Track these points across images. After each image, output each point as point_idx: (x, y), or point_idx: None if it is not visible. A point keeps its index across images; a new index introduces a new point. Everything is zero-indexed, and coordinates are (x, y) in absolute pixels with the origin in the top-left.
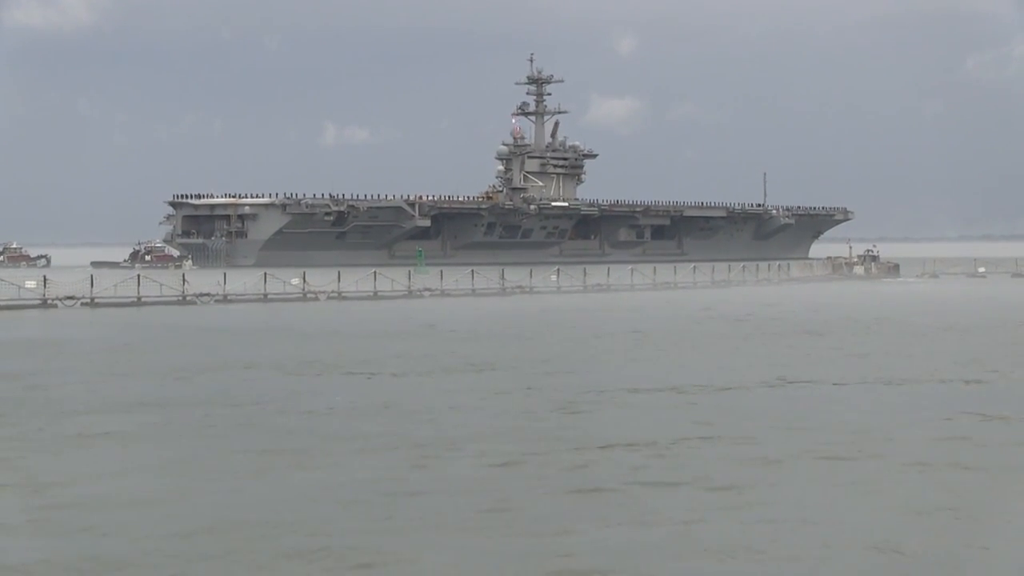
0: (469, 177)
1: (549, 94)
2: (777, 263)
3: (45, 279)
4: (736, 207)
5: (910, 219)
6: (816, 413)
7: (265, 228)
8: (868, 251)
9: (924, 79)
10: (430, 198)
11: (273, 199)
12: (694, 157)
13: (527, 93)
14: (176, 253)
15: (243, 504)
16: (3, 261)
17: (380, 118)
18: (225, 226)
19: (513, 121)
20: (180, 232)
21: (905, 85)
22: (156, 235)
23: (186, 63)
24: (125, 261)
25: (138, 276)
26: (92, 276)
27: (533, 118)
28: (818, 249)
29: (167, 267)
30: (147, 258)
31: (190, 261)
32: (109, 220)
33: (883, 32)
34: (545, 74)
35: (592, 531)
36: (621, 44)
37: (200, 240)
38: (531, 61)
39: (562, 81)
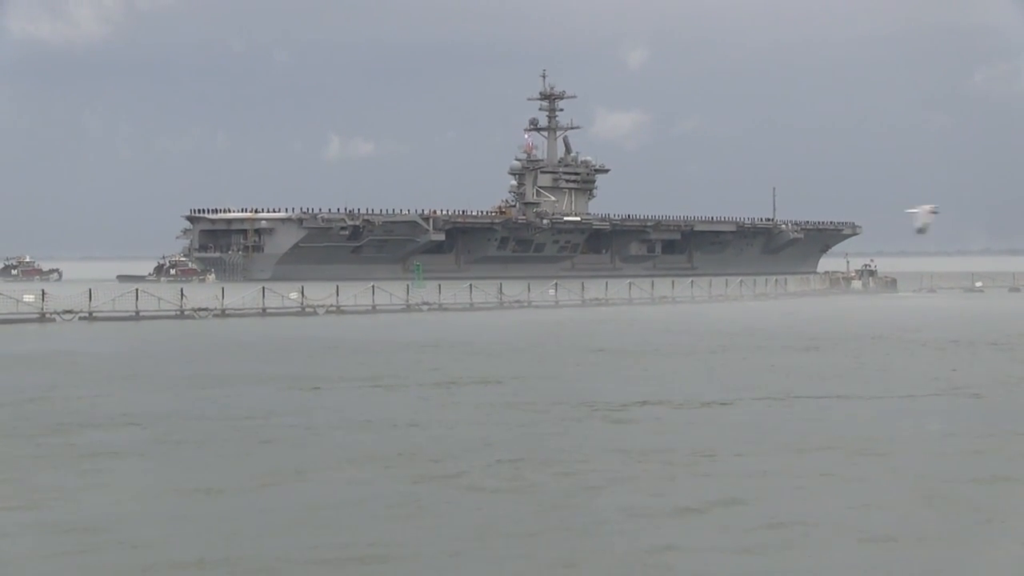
0: (476, 190)
1: (561, 110)
2: (775, 277)
3: (44, 293)
4: (746, 222)
5: (913, 233)
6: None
7: (282, 242)
8: (866, 266)
9: (932, 92)
10: (444, 212)
11: (290, 213)
12: (700, 171)
13: (539, 109)
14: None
15: (258, 525)
16: (17, 275)
17: (385, 131)
18: (242, 240)
19: (526, 136)
20: (197, 246)
21: (913, 98)
22: (171, 249)
23: (196, 76)
24: (150, 275)
25: (136, 290)
26: (90, 290)
27: (545, 133)
28: (827, 263)
29: (191, 280)
30: (171, 272)
31: (213, 275)
32: (116, 234)
33: (891, 45)
34: (557, 90)
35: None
36: (626, 58)
37: (217, 254)
38: (543, 77)
39: (574, 97)
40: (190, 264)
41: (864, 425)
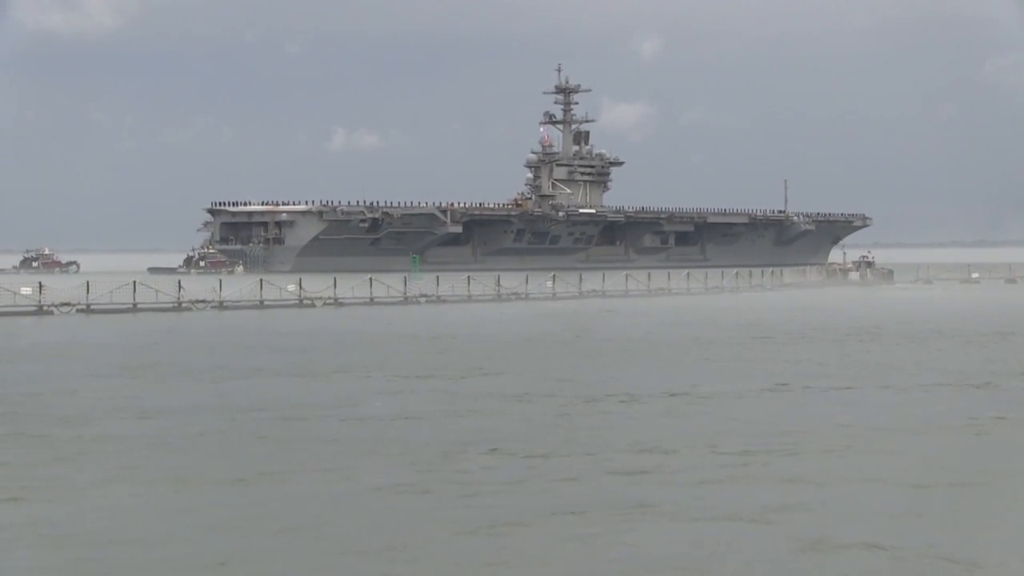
0: (481, 182)
1: (576, 103)
2: (771, 269)
3: (41, 285)
4: (758, 214)
5: (917, 224)
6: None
7: (302, 235)
8: (863, 257)
9: (942, 82)
10: (461, 205)
11: (310, 206)
12: (706, 162)
13: (555, 103)
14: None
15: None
16: (38, 267)
17: (389, 123)
18: (263, 233)
19: (541, 130)
20: (218, 239)
21: (922, 88)
22: (192, 241)
23: (205, 68)
24: (180, 266)
25: (134, 283)
26: (88, 283)
27: (560, 126)
28: (838, 255)
29: (220, 272)
30: (201, 264)
31: (242, 267)
32: (119, 226)
33: (900, 35)
34: (572, 83)
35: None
36: (631, 50)
37: (238, 246)
38: (559, 71)
39: (589, 90)
40: (218, 256)
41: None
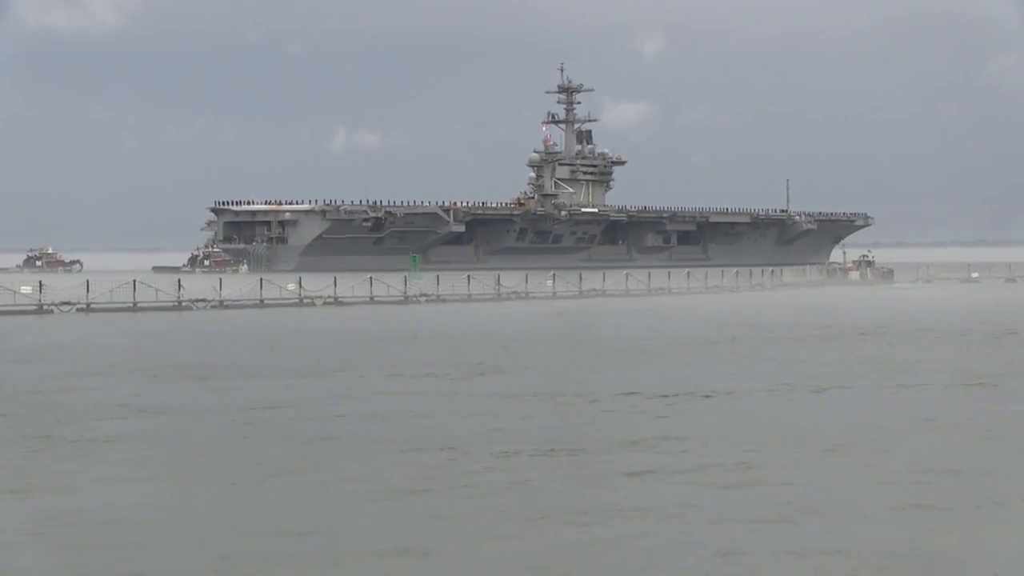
0: (483, 181)
1: (579, 102)
2: (771, 269)
3: (41, 284)
4: (760, 213)
5: (918, 223)
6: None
7: (305, 234)
8: (863, 256)
9: (943, 82)
10: (464, 204)
11: (313, 205)
12: (706, 162)
13: (557, 102)
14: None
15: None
16: (41, 266)
17: (390, 122)
18: (266, 232)
19: (543, 129)
20: (222, 238)
21: (923, 88)
22: (194, 240)
23: (208, 67)
24: (184, 265)
25: (134, 282)
26: (88, 281)
27: (563, 126)
28: (839, 254)
29: (224, 271)
30: (206, 263)
31: (246, 266)
32: (122, 225)
33: (902, 35)
34: (575, 83)
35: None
36: (633, 50)
37: (241, 245)
38: (561, 70)
39: (592, 90)
40: (223, 255)
41: None
